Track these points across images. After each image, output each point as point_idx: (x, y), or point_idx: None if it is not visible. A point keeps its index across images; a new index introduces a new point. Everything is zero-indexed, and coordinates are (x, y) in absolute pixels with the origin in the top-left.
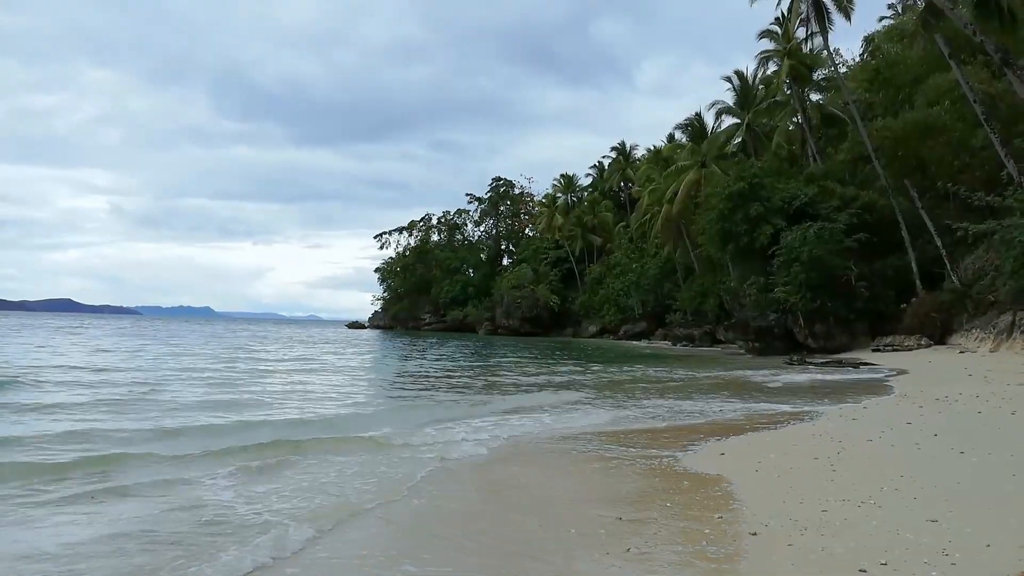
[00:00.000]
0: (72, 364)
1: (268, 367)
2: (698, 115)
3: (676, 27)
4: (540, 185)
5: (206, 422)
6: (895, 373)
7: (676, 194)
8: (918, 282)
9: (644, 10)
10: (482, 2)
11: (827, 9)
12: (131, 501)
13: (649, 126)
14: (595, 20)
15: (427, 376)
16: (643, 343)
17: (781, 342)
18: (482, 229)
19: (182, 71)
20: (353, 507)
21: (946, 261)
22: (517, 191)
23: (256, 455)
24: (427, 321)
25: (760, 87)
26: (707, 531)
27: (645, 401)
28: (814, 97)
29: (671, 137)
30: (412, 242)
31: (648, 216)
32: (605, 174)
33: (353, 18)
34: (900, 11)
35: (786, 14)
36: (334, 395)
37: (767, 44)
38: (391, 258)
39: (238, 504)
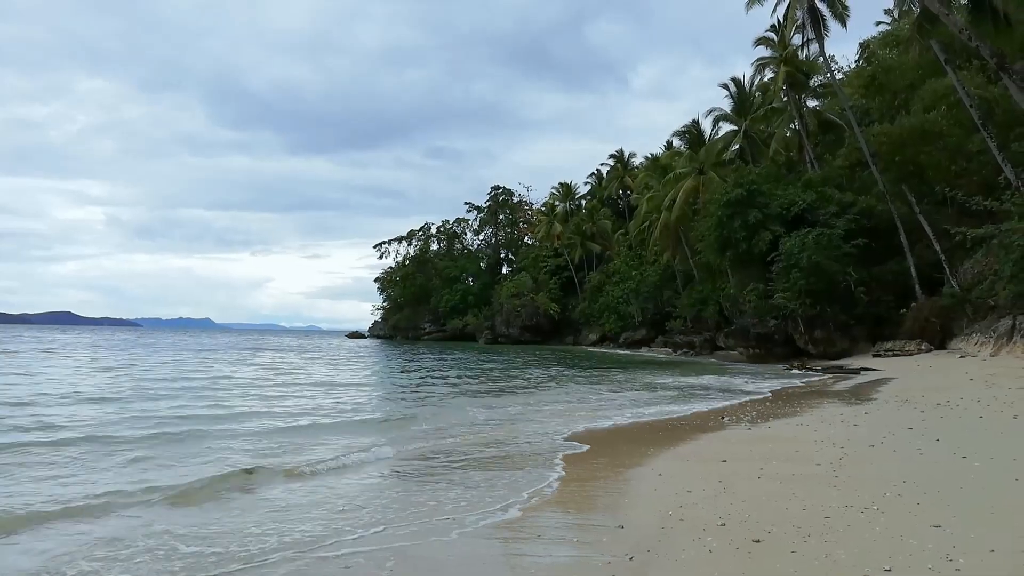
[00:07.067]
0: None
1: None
2: (695, 122)
3: (672, 29)
4: (538, 191)
5: None
6: (896, 378)
7: (674, 201)
8: (917, 287)
9: (640, 12)
10: (475, 5)
11: (823, 16)
12: None
13: (646, 129)
14: (590, 22)
15: None
16: (644, 351)
17: (781, 348)
18: (481, 238)
19: (176, 79)
20: None
21: (945, 266)
22: (516, 199)
23: None
24: (427, 330)
25: (757, 94)
26: (710, 538)
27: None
28: (811, 103)
29: (669, 144)
30: (411, 251)
31: (647, 223)
32: (604, 182)
33: (345, 23)
34: (896, 17)
35: (782, 21)
36: None
37: (763, 51)
38: (390, 268)
39: None
